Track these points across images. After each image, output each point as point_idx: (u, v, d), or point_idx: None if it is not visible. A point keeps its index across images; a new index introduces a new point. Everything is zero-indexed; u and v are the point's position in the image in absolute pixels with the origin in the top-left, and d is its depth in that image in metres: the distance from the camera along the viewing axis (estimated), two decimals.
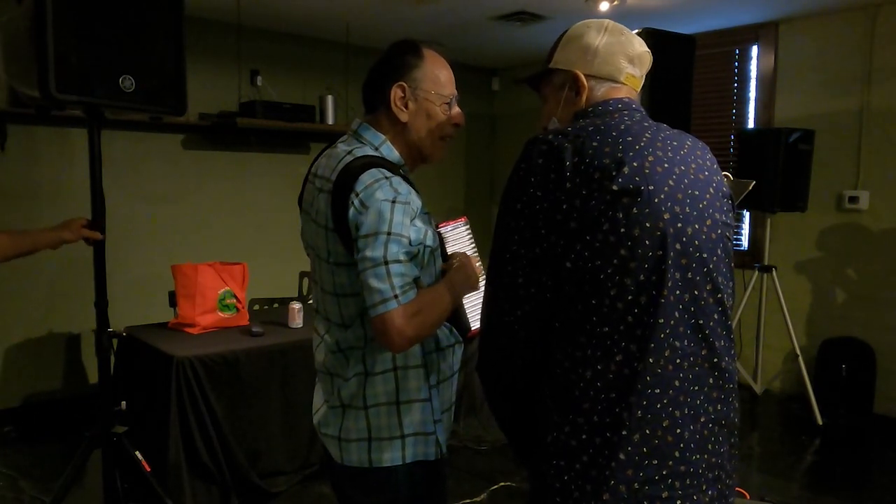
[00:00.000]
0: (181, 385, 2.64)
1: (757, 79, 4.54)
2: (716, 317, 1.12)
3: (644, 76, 1.28)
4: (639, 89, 1.27)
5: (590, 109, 1.21)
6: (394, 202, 1.24)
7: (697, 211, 1.12)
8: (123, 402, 2.26)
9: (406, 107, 1.37)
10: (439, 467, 1.42)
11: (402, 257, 1.23)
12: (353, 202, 1.24)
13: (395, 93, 1.36)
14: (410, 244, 1.25)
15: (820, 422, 3.94)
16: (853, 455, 3.65)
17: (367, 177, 1.25)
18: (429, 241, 1.32)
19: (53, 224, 2.09)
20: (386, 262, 1.21)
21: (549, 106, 1.29)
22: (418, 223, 1.28)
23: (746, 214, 4.63)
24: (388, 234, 1.22)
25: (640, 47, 1.25)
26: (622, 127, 1.13)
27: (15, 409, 3.91)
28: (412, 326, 1.21)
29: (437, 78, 1.39)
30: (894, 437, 3.84)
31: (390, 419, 1.34)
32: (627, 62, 1.23)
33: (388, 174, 1.27)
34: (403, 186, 1.28)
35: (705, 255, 1.11)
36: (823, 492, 3.21)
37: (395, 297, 1.20)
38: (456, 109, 1.43)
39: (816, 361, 4.19)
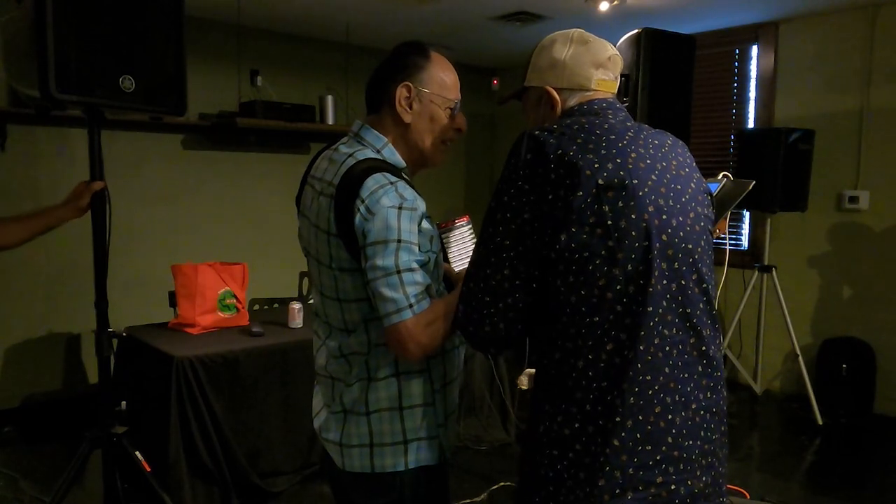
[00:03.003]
0: (181, 385, 2.64)
1: (757, 79, 4.54)
2: (702, 306, 1.16)
3: (619, 76, 1.32)
4: (615, 90, 1.31)
5: (575, 108, 1.26)
6: (400, 208, 1.22)
7: (680, 204, 1.16)
8: (123, 402, 2.26)
9: (410, 107, 1.35)
10: (442, 470, 1.41)
11: (413, 265, 1.22)
12: (358, 209, 1.22)
13: (401, 92, 1.34)
14: (420, 251, 1.24)
15: (820, 422, 3.94)
16: (853, 455, 3.65)
17: (372, 182, 1.23)
18: (435, 246, 1.32)
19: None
20: (399, 271, 1.20)
21: (531, 121, 1.35)
22: (425, 228, 1.27)
23: (746, 214, 4.63)
24: (398, 241, 1.20)
25: (609, 51, 1.30)
26: (606, 126, 1.17)
27: (15, 409, 3.91)
28: (427, 336, 1.21)
29: (444, 81, 1.38)
30: (894, 437, 3.84)
31: (393, 425, 1.33)
32: (595, 68, 1.27)
33: (393, 179, 1.25)
34: (409, 192, 1.26)
35: (690, 247, 1.15)
36: (823, 492, 3.21)
37: (410, 306, 1.20)
38: (459, 114, 1.42)
39: (816, 361, 4.19)
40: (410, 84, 1.35)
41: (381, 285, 1.20)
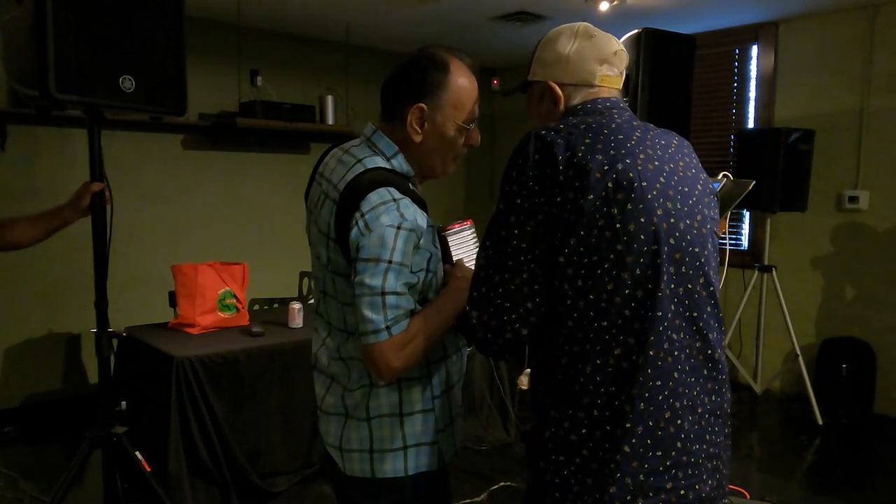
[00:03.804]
0: (181, 385, 2.64)
1: (757, 79, 4.54)
2: (709, 309, 1.15)
3: (623, 72, 1.29)
4: (619, 86, 1.28)
5: (579, 107, 1.23)
6: (399, 228, 1.20)
7: (688, 207, 1.14)
8: (123, 403, 2.26)
9: (422, 127, 1.32)
10: (443, 474, 1.41)
11: (399, 289, 1.21)
12: (356, 221, 1.21)
13: (414, 113, 1.31)
14: (411, 272, 1.23)
15: (820, 422, 3.94)
16: (853, 455, 3.65)
17: (375, 197, 1.21)
18: (433, 265, 1.30)
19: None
20: (383, 293, 1.19)
21: (534, 116, 1.32)
22: (423, 245, 1.25)
23: (746, 214, 4.63)
24: (389, 262, 1.19)
25: (615, 46, 1.27)
26: (613, 125, 1.15)
27: (15, 409, 3.91)
28: (401, 358, 1.21)
29: (460, 103, 1.33)
30: (894, 437, 3.84)
31: (393, 431, 1.32)
32: (600, 64, 1.25)
33: (398, 195, 1.23)
34: (410, 210, 1.23)
35: (697, 250, 1.13)
36: (823, 492, 3.21)
37: (387, 328, 1.19)
38: (473, 131, 1.38)
39: (816, 361, 4.19)
40: (424, 106, 1.31)
41: (364, 304, 1.20)
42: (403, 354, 1.21)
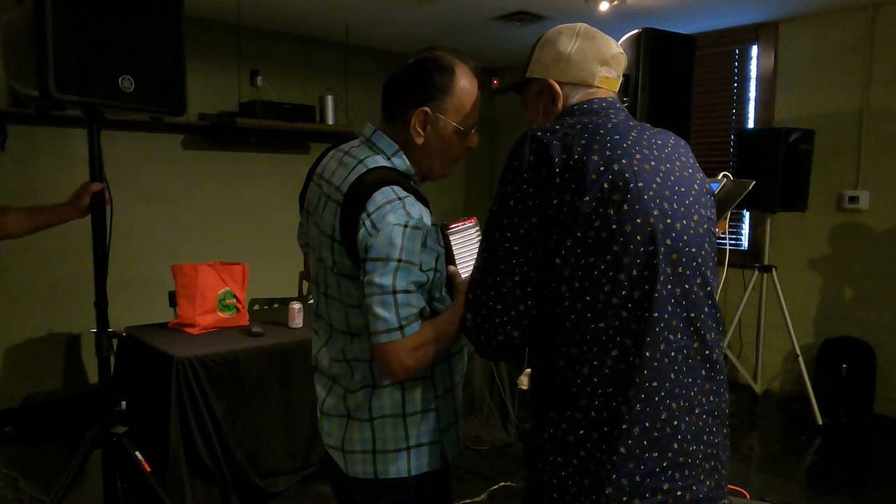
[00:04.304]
0: (181, 385, 2.64)
1: (757, 79, 4.54)
2: (706, 310, 1.14)
3: (621, 75, 1.29)
4: (616, 89, 1.28)
5: (575, 107, 1.23)
6: (405, 226, 1.20)
7: (684, 207, 1.14)
8: (123, 402, 2.26)
9: (424, 130, 1.33)
10: (445, 473, 1.41)
11: (411, 287, 1.21)
12: (363, 222, 1.21)
13: (417, 116, 1.31)
14: (420, 270, 1.23)
15: (820, 422, 3.94)
16: (853, 455, 3.65)
17: (381, 197, 1.21)
18: (440, 265, 1.30)
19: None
20: (394, 292, 1.19)
21: (531, 114, 1.32)
22: (429, 244, 1.25)
23: (746, 214, 4.63)
24: (399, 261, 1.19)
25: (614, 49, 1.27)
26: (609, 126, 1.15)
27: (15, 409, 3.91)
28: (414, 359, 1.21)
29: (464, 108, 1.34)
30: (894, 437, 3.84)
31: (396, 431, 1.32)
32: (600, 65, 1.25)
33: (402, 194, 1.23)
34: (416, 208, 1.23)
35: (694, 250, 1.13)
36: (823, 492, 3.21)
37: (400, 328, 1.19)
38: (473, 134, 1.38)
39: (816, 361, 4.19)
40: (428, 110, 1.31)
41: (376, 303, 1.20)
42: (416, 355, 1.21)
